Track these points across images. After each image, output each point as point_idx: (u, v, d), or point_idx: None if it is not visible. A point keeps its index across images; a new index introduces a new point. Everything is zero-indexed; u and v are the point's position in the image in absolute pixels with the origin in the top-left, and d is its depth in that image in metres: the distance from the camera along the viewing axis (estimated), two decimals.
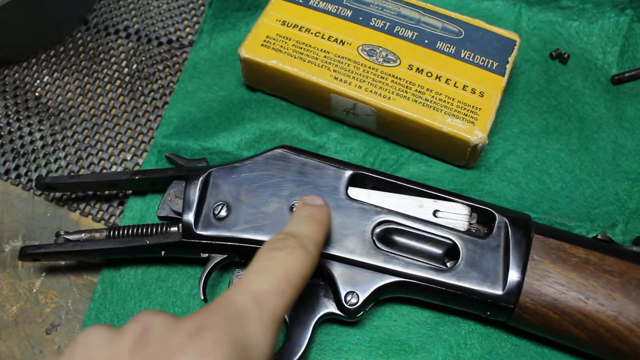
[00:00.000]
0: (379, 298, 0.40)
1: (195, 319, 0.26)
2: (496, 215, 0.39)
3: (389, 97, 0.44)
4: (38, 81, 0.54)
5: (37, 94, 0.53)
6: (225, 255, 0.41)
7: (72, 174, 0.49)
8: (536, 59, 0.51)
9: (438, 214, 0.40)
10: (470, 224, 0.40)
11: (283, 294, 0.29)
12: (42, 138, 0.51)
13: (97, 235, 0.43)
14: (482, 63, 0.45)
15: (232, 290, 0.28)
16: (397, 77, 0.45)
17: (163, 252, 0.42)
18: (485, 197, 0.46)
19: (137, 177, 0.44)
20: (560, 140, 0.48)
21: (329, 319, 0.40)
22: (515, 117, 0.49)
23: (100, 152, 0.50)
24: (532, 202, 0.46)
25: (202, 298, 0.40)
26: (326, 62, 0.46)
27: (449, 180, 0.47)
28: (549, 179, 0.47)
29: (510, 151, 0.48)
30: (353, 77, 0.45)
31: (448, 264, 0.39)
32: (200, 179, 0.41)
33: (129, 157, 0.50)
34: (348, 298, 0.38)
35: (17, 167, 0.50)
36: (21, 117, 0.52)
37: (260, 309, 0.27)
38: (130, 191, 0.48)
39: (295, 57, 0.46)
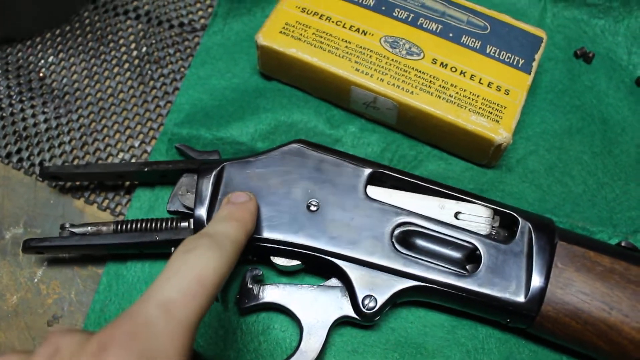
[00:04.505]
0: (397, 302, 0.39)
1: (100, 336, 0.25)
2: (519, 219, 0.38)
3: (412, 92, 0.42)
4: (42, 61, 0.51)
5: (41, 74, 0.51)
6: None
7: (77, 160, 0.47)
8: (560, 57, 0.50)
9: (460, 216, 0.39)
10: (493, 227, 0.39)
11: (194, 298, 0.27)
12: (45, 121, 0.49)
13: (104, 229, 0.41)
14: (508, 60, 0.44)
15: (140, 300, 0.27)
16: (420, 71, 0.43)
17: (173, 249, 0.40)
18: (506, 198, 0.44)
19: (146, 169, 0.42)
20: (583, 142, 0.47)
21: (344, 321, 0.39)
22: (537, 116, 0.47)
23: (107, 138, 0.48)
24: (553, 204, 0.44)
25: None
26: (347, 52, 0.44)
27: (468, 179, 0.45)
28: (571, 181, 0.45)
29: (532, 151, 0.46)
30: (375, 70, 0.43)
31: (468, 268, 0.38)
32: (213, 173, 0.39)
33: (136, 144, 0.48)
34: (366, 302, 0.37)
35: (19, 151, 0.48)
36: (24, 98, 0.50)
37: (169, 319, 0.26)
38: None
39: (315, 46, 0.44)
